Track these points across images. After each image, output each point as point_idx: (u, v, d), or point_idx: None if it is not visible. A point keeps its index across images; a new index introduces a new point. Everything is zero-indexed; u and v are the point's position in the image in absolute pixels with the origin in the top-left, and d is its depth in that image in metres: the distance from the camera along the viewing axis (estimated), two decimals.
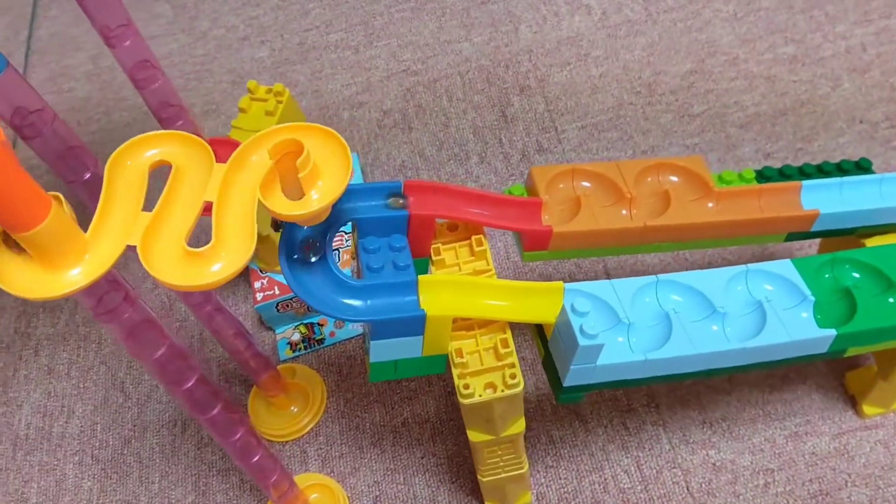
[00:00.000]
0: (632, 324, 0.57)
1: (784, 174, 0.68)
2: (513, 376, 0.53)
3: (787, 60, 1.05)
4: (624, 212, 0.63)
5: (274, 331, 0.94)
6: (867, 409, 0.77)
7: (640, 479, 0.78)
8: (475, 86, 1.13)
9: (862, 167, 0.69)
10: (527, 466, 0.69)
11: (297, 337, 0.93)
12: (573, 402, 0.56)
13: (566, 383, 0.54)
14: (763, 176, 0.68)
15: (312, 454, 0.85)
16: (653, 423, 0.81)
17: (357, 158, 1.00)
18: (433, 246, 0.59)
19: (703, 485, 0.77)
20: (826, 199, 0.65)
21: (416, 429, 0.85)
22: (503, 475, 0.69)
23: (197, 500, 0.83)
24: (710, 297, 0.58)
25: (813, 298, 0.59)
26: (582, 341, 0.51)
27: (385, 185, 0.57)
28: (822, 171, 0.69)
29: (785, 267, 0.60)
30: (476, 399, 0.53)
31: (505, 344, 0.54)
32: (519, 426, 0.61)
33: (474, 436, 0.60)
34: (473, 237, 0.59)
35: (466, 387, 0.53)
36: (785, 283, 0.60)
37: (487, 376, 0.54)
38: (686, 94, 1.04)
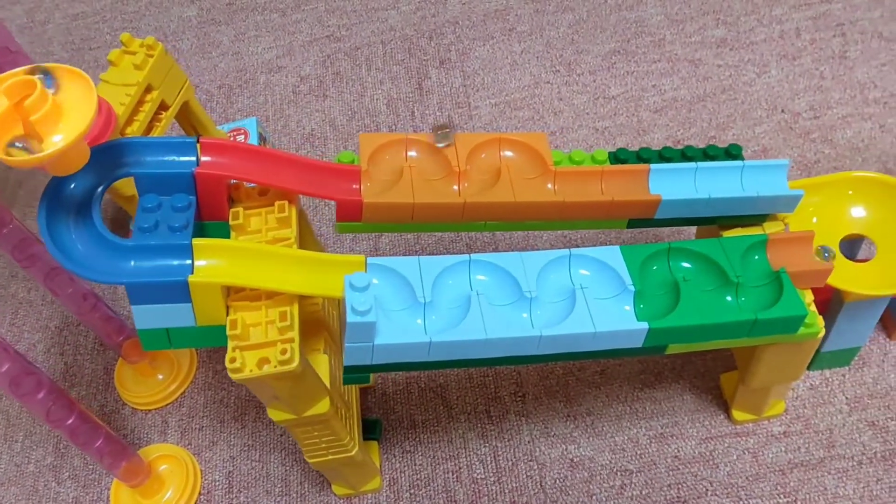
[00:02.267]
0: (431, 304, 0.53)
1: (641, 157, 0.63)
2: (284, 352, 0.49)
3: (715, 44, 1.00)
4: (455, 187, 0.59)
5: None
6: (737, 414, 0.73)
7: (495, 471, 0.75)
8: (396, 56, 1.08)
9: (731, 154, 0.64)
10: (356, 449, 0.66)
11: None
12: (360, 384, 0.53)
13: (346, 362, 0.51)
14: (618, 159, 0.63)
15: (173, 424, 0.83)
16: (516, 413, 0.78)
17: (255, 123, 0.96)
18: (232, 210, 0.55)
19: (558, 481, 0.73)
20: (675, 185, 0.60)
21: None
22: (330, 457, 0.66)
23: (55, 462, 0.81)
24: (520, 280, 0.54)
25: (633, 289, 0.55)
26: (351, 318, 0.47)
27: (176, 141, 0.53)
28: (686, 156, 0.64)
29: (611, 254, 0.56)
30: (246, 374, 0.50)
31: (284, 317, 0.51)
32: (322, 406, 0.57)
33: (274, 414, 0.57)
34: (277, 203, 0.56)
35: (233, 360, 0.49)
36: (607, 271, 0.55)
37: (263, 351, 0.50)
38: (605, 75, 0.99)
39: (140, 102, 0.77)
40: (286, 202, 0.56)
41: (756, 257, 0.57)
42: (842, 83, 0.94)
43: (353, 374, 0.52)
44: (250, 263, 0.51)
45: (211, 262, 0.50)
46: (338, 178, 0.57)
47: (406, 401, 0.80)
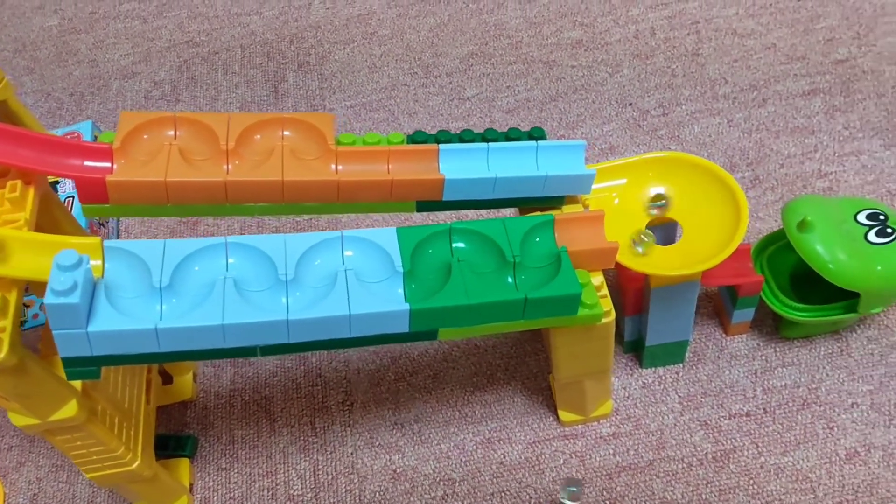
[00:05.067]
0: (174, 290, 0.48)
1: (439, 140, 0.60)
2: None
3: (571, 45, 0.98)
4: (225, 167, 0.55)
5: None
6: (563, 415, 0.69)
7: (313, 486, 0.69)
8: (254, 60, 1.05)
9: (534, 137, 0.61)
10: (136, 463, 0.60)
11: None
12: (88, 378, 0.48)
13: (60, 353, 0.45)
14: (414, 141, 0.59)
15: None
16: (342, 424, 0.73)
17: (90, 126, 0.92)
18: None
19: (378, 494, 0.68)
20: (465, 166, 0.57)
21: None
22: (108, 472, 0.60)
23: None
24: (277, 264, 0.50)
25: (401, 270, 0.51)
26: (48, 299, 0.42)
27: None
28: (486, 139, 0.61)
29: (385, 235, 0.52)
30: None
31: None
32: (68, 410, 0.52)
33: (16, 419, 0.52)
34: (9, 183, 0.51)
35: None
36: (378, 253, 0.51)
37: None
38: (461, 76, 0.97)
39: None
40: (19, 182, 0.51)
41: (538, 238, 0.54)
42: (692, 80, 0.92)
43: (76, 366, 0.47)
44: None
45: None
46: (83, 156, 0.52)
47: (227, 415, 0.75)
